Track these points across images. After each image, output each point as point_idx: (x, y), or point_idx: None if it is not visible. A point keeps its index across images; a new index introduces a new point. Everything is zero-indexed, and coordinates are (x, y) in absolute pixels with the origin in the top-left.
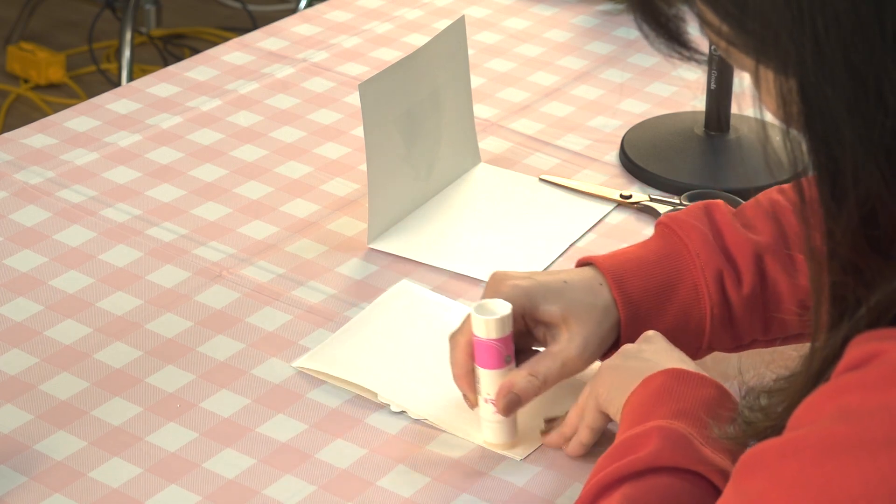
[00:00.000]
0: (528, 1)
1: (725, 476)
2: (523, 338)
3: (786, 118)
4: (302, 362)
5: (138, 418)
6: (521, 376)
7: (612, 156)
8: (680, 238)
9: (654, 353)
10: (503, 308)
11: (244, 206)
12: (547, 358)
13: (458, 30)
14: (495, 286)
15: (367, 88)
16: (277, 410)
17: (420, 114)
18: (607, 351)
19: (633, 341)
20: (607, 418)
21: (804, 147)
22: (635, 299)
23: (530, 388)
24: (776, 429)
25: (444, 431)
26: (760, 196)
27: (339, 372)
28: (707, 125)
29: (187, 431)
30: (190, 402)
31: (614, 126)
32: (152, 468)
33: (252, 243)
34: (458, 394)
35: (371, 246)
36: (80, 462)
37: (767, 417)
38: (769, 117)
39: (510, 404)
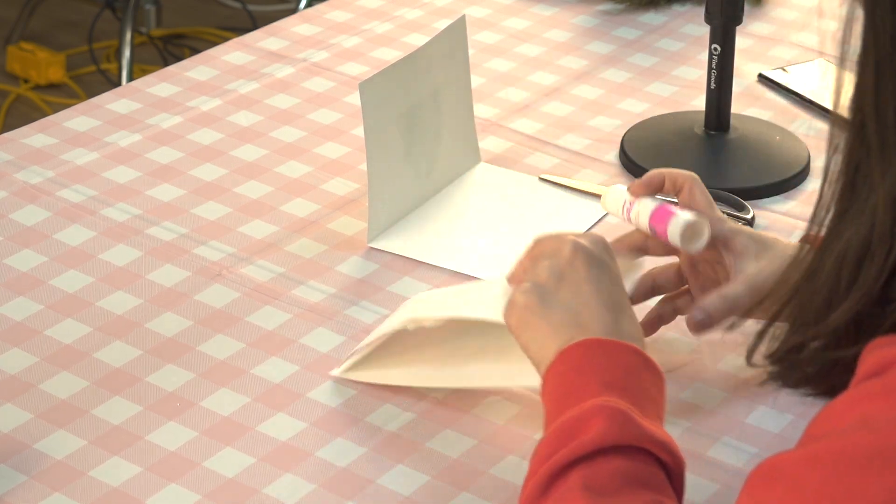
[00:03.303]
0: (528, 1)
1: (665, 447)
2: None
3: None
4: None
5: (138, 417)
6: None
7: (612, 155)
8: None
9: (573, 295)
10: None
11: (244, 206)
12: (736, 283)
13: (458, 29)
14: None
15: (368, 88)
16: (277, 409)
17: (420, 113)
18: None
19: None
20: None
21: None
22: None
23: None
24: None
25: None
26: None
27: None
28: (707, 125)
29: (187, 430)
30: (190, 401)
31: (614, 126)
32: (152, 467)
33: (252, 242)
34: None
35: (371, 245)
36: (80, 461)
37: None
38: (769, 116)
39: (700, 325)
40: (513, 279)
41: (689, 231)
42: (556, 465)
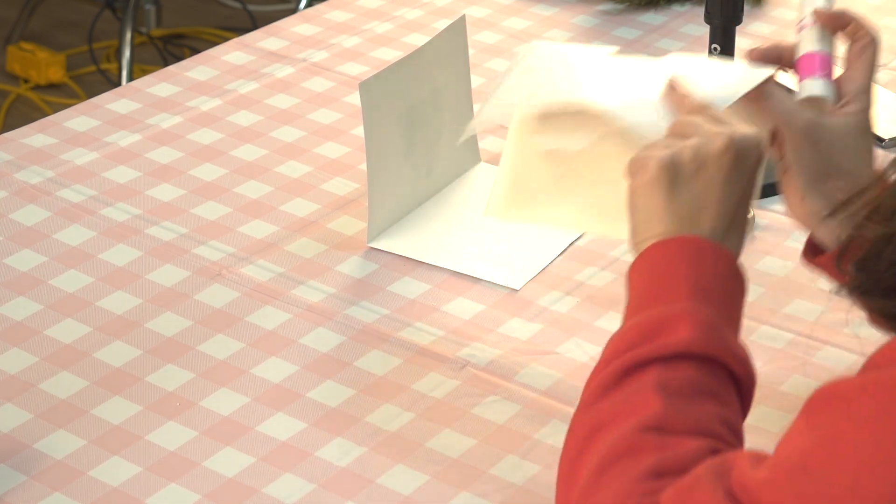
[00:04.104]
0: (528, 1)
1: (742, 362)
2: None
3: None
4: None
5: (138, 417)
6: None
7: None
8: None
9: (705, 189)
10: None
11: (244, 206)
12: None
13: (458, 29)
14: None
15: (368, 88)
16: (277, 409)
17: (420, 113)
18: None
19: None
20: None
21: None
22: None
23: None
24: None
25: None
26: None
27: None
28: None
29: (187, 430)
30: (189, 401)
31: None
32: (152, 467)
33: (252, 242)
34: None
35: (371, 245)
36: (79, 461)
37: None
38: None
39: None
40: (673, 130)
41: (811, 102)
42: (635, 358)
